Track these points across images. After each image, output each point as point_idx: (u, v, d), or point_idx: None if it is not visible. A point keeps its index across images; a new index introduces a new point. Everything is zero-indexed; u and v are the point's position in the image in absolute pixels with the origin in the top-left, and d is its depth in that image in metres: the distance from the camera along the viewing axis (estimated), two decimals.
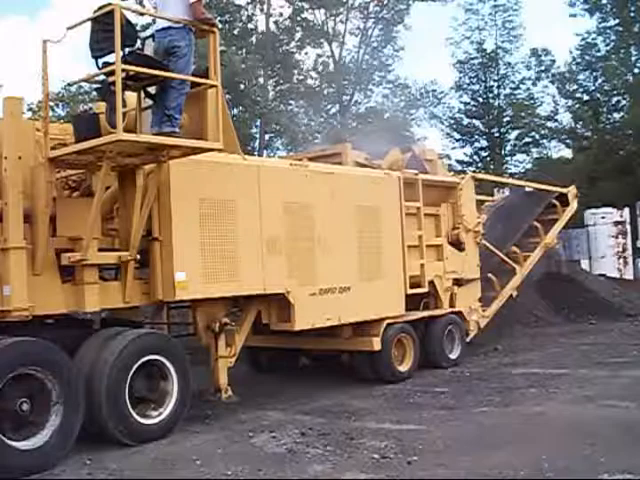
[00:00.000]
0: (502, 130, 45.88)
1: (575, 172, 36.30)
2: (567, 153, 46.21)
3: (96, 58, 8.82)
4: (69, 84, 31.58)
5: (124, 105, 8.65)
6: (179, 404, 9.68)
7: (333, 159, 13.54)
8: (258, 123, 35.53)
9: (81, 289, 9.34)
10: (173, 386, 9.65)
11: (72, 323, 9.86)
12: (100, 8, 8.61)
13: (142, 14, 9.54)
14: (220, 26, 32.45)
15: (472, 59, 46.25)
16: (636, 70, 43.03)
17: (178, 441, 9.28)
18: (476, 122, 46.22)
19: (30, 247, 8.93)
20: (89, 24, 8.84)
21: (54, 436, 8.42)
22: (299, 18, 37.86)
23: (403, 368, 13.12)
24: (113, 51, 8.35)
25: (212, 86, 9.42)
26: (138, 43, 9.19)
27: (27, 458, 8.17)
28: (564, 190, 19.00)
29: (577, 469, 7.38)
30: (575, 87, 44.15)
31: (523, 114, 44.67)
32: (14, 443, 8.13)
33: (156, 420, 9.48)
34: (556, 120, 45.65)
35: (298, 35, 38.04)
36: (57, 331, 9.35)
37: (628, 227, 31.36)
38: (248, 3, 36.34)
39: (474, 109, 46.13)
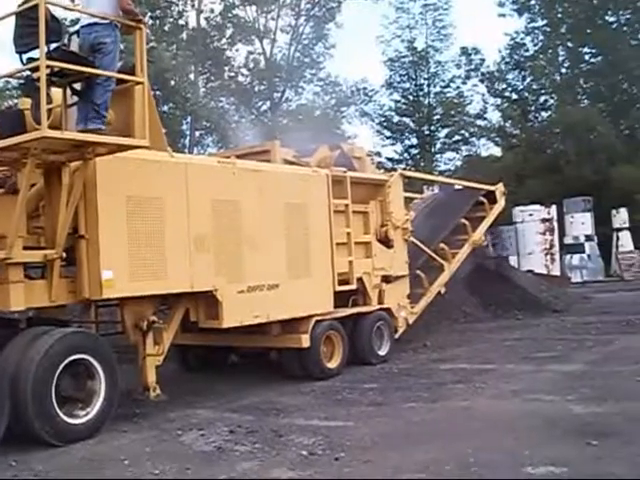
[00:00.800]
0: (432, 128, 46.40)
1: (504, 170, 36.83)
2: (496, 151, 46.97)
3: (20, 53, 8.72)
4: None
5: (49, 101, 8.54)
6: (107, 403, 9.58)
7: (262, 156, 13.53)
8: (188, 120, 35.41)
9: (6, 288, 9.19)
10: (100, 385, 9.55)
11: None
12: (24, 2, 8.51)
13: (67, 9, 9.44)
14: (150, 22, 32.39)
15: (403, 57, 46.70)
16: (563, 70, 43.94)
17: (106, 441, 9.19)
18: (406, 120, 46.68)
19: None
20: (13, 18, 8.73)
21: None
22: (230, 14, 37.85)
23: (332, 365, 13.16)
24: (37, 47, 8.24)
25: (138, 83, 9.36)
26: (64, 39, 9.08)
27: None
28: (492, 188, 19.30)
29: (502, 462, 7.48)
30: (504, 86, 44.91)
31: (453, 112, 45.25)
32: None
33: (83, 420, 9.37)
34: (485, 118, 46.40)
35: (229, 32, 38.03)
36: None
37: (555, 224, 32.01)
38: None
39: (404, 107, 46.55)
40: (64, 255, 9.59)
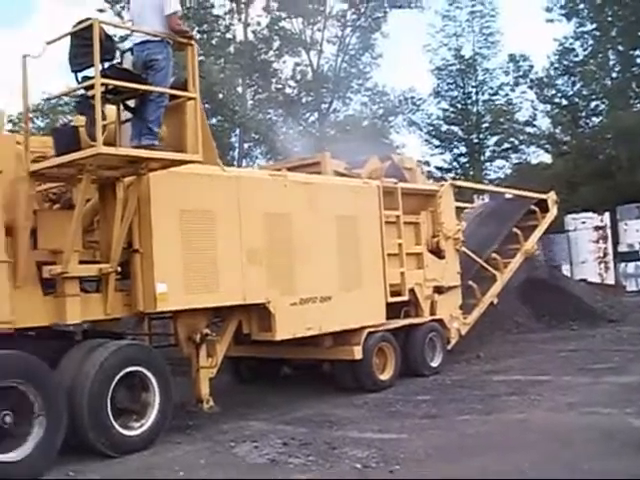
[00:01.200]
0: (481, 136, 46.09)
1: (554, 177, 36.48)
2: (546, 158, 46.50)
3: (75, 72, 8.87)
4: (49, 98, 31.52)
5: (103, 118, 8.67)
6: (161, 415, 9.69)
7: (312, 168, 13.58)
8: (237, 132, 35.59)
9: (62, 301, 9.34)
10: (155, 397, 9.67)
11: (54, 335, 9.81)
12: (79, 23, 8.66)
13: (120, 28, 9.60)
14: (198, 36, 32.63)
15: (450, 66, 46.45)
16: (614, 74, 43.41)
17: (160, 452, 9.30)
18: (455, 128, 46.42)
19: (11, 260, 8.94)
20: (68, 38, 8.88)
21: (37, 448, 8.41)
22: (277, 27, 37.99)
23: (384, 377, 13.15)
24: (92, 65, 8.39)
25: (191, 98, 9.48)
26: (117, 56, 9.22)
27: (10, 470, 8.17)
28: (543, 196, 19.11)
29: (559, 476, 7.44)
30: (553, 92, 44.46)
31: (502, 120, 44.90)
32: None
33: (138, 431, 9.49)
34: (535, 125, 45.95)
35: (276, 44, 38.17)
36: (39, 343, 9.31)
37: (609, 232, 31.52)
38: (226, 13, 36.49)
39: (453, 115, 46.30)
40: (119, 269, 9.72)
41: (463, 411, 10.82)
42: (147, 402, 9.66)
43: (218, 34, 36.09)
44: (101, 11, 32.59)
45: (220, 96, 31.65)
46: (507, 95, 46.45)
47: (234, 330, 11.35)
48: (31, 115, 9.66)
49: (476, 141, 45.91)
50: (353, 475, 7.96)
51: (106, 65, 8.66)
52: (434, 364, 14.48)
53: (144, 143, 8.99)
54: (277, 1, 37.56)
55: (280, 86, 38.51)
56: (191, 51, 9.44)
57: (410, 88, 44.61)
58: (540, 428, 9.53)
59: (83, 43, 8.55)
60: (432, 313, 14.88)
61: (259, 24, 38.01)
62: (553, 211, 19.14)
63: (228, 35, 36.83)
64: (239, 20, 37.21)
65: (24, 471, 8.25)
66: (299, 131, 35.78)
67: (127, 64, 9.33)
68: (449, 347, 15.25)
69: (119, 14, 33.07)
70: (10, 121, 30.30)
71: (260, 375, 14.23)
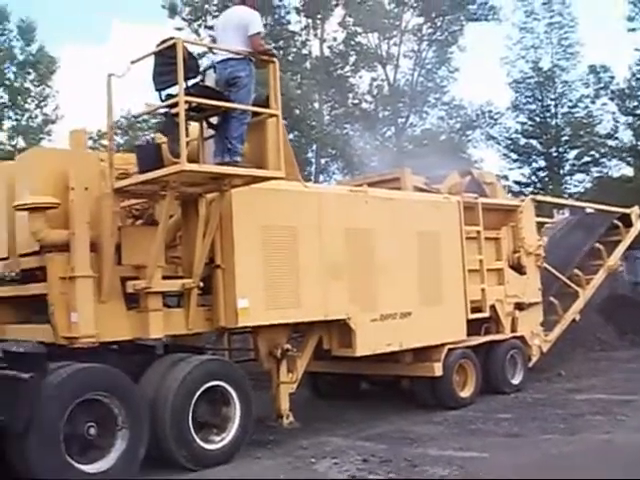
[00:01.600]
0: (560, 149, 45.34)
1: (637, 191, 35.75)
2: (628, 171, 45.57)
3: (159, 90, 8.99)
4: (133, 116, 32.03)
5: (186, 135, 8.76)
6: (241, 429, 9.76)
7: (392, 184, 13.55)
8: (314, 148, 35.68)
9: (145, 316, 9.49)
10: (235, 412, 9.74)
11: (136, 349, 9.95)
12: (163, 42, 8.79)
13: (203, 46, 9.76)
14: (275, 53, 32.84)
15: (528, 78, 45.80)
16: None
17: (240, 466, 9.36)
18: (533, 142, 45.78)
19: (96, 275, 9.10)
20: (152, 58, 9.02)
21: (120, 460, 8.57)
22: (353, 42, 38.02)
23: (465, 394, 13.05)
24: (176, 83, 8.51)
25: (272, 115, 9.55)
26: (200, 75, 9.33)
27: None
28: (627, 210, 18.75)
29: None
30: (636, 103, 43.59)
31: (582, 133, 44.16)
32: (81, 466, 8.29)
33: (219, 445, 9.57)
34: (616, 138, 45.06)
35: (352, 59, 38.19)
36: (122, 357, 9.47)
37: None
38: (302, 29, 36.64)
39: (531, 129, 45.67)
40: (201, 284, 9.81)
41: (546, 430, 10.67)
42: (228, 416, 9.74)
43: (294, 50, 36.29)
44: (179, 29, 33.08)
45: (297, 112, 31.76)
46: (587, 107, 45.63)
47: (314, 345, 11.37)
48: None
49: (555, 155, 45.18)
50: None
51: (189, 83, 8.77)
52: (515, 382, 14.32)
53: (227, 160, 9.07)
54: (353, 16, 37.59)
55: (357, 101, 38.47)
56: (273, 68, 9.52)
57: (487, 102, 44.10)
58: (627, 449, 9.34)
59: (167, 62, 8.67)
60: (513, 330, 14.71)
61: (335, 39, 38.06)
62: (637, 226, 18.72)
63: (304, 51, 37.00)
64: (315, 36, 37.34)
65: None
66: (376, 146, 35.72)
67: (209, 82, 9.43)
68: (530, 364, 15.05)
69: (196, 31, 33.51)
70: (90, 138, 30.88)
71: (339, 391, 14.19)
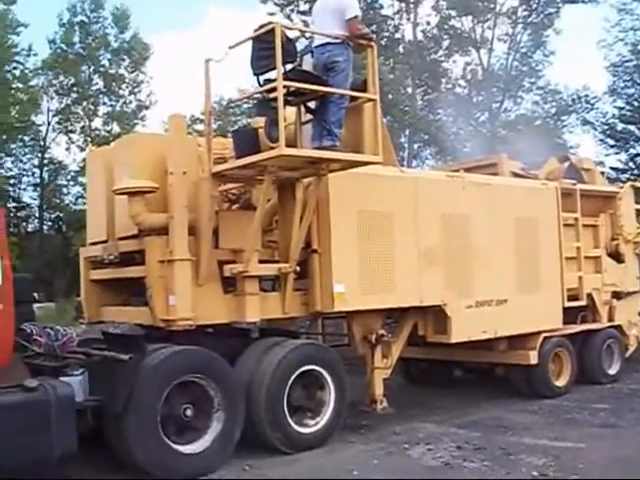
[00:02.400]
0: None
1: None
2: None
3: (257, 75, 9.03)
4: (230, 101, 32.37)
5: (285, 120, 8.78)
6: (335, 414, 9.78)
7: (489, 169, 13.41)
8: (407, 133, 35.56)
9: (242, 300, 9.55)
10: (330, 396, 9.77)
11: (232, 333, 10.06)
12: (261, 27, 8.81)
13: (301, 31, 9.76)
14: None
15: (626, 62, 44.77)
16: None
17: (334, 451, 9.39)
18: (631, 127, 44.75)
19: (194, 259, 9.20)
20: (250, 42, 9.06)
21: (215, 441, 8.67)
22: (446, 26, 37.73)
23: (560, 383, 12.88)
24: (274, 68, 8.52)
25: (370, 99, 9.51)
26: (298, 59, 9.34)
27: (189, 462, 8.44)
28: None
29: None
30: None
31: None
32: (178, 447, 8.42)
33: (313, 429, 9.61)
34: None
35: (446, 43, 37.91)
36: (218, 340, 9.56)
37: None
38: (395, 13, 36.51)
39: (629, 114, 44.64)
40: (297, 269, 9.85)
41: None
42: (322, 400, 9.78)
43: (387, 34, 36.18)
44: (271, 14, 33.25)
45: (390, 97, 31.66)
46: None
47: (409, 331, 11.34)
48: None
49: None
50: None
51: (287, 67, 8.78)
52: (611, 372, 14.09)
53: (325, 144, 9.06)
54: (446, 0, 37.28)
55: (450, 86, 38.23)
56: (371, 53, 9.48)
57: (584, 86, 43.27)
58: None
59: (265, 46, 8.68)
60: (610, 319, 14.43)
61: (428, 23, 37.86)
62: None
63: (397, 35, 36.90)
64: (408, 20, 37.18)
65: (202, 463, 8.52)
66: (469, 131, 35.44)
67: (307, 66, 9.44)
68: (627, 354, 14.76)
69: (289, 17, 33.65)
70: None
71: (432, 377, 14.14)
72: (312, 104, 9.41)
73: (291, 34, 9.77)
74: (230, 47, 9.20)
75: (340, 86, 9.11)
